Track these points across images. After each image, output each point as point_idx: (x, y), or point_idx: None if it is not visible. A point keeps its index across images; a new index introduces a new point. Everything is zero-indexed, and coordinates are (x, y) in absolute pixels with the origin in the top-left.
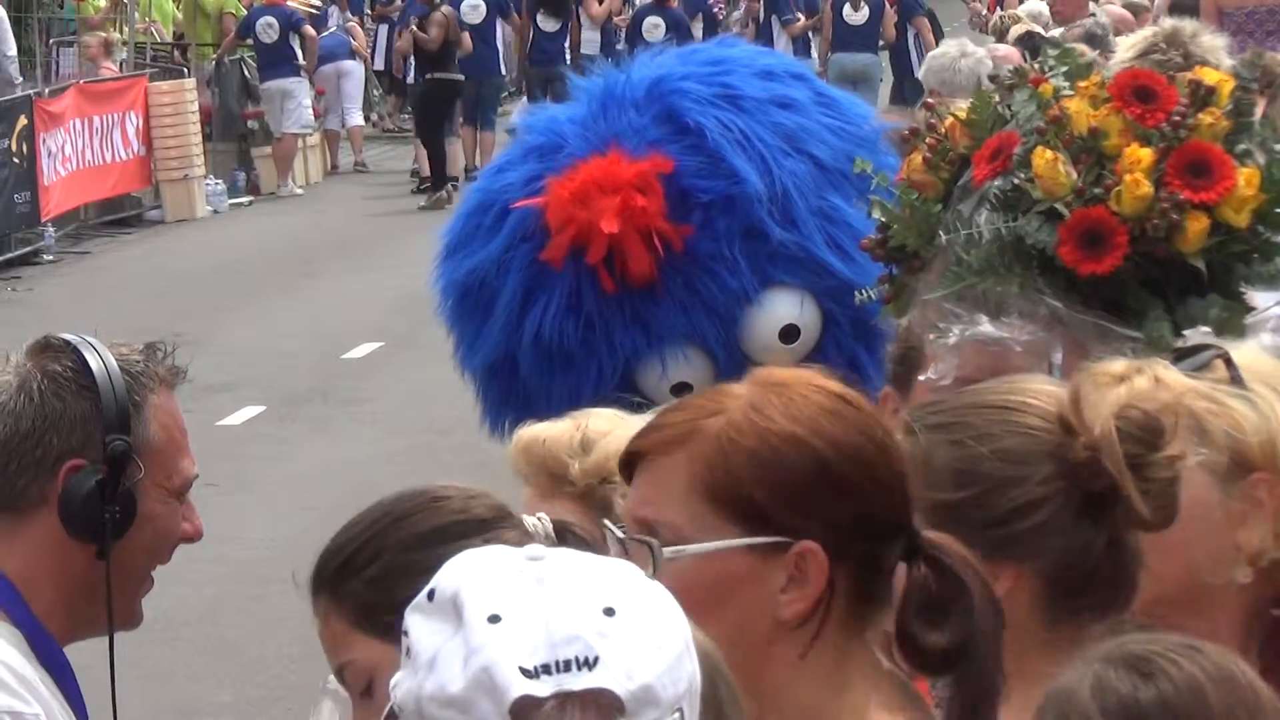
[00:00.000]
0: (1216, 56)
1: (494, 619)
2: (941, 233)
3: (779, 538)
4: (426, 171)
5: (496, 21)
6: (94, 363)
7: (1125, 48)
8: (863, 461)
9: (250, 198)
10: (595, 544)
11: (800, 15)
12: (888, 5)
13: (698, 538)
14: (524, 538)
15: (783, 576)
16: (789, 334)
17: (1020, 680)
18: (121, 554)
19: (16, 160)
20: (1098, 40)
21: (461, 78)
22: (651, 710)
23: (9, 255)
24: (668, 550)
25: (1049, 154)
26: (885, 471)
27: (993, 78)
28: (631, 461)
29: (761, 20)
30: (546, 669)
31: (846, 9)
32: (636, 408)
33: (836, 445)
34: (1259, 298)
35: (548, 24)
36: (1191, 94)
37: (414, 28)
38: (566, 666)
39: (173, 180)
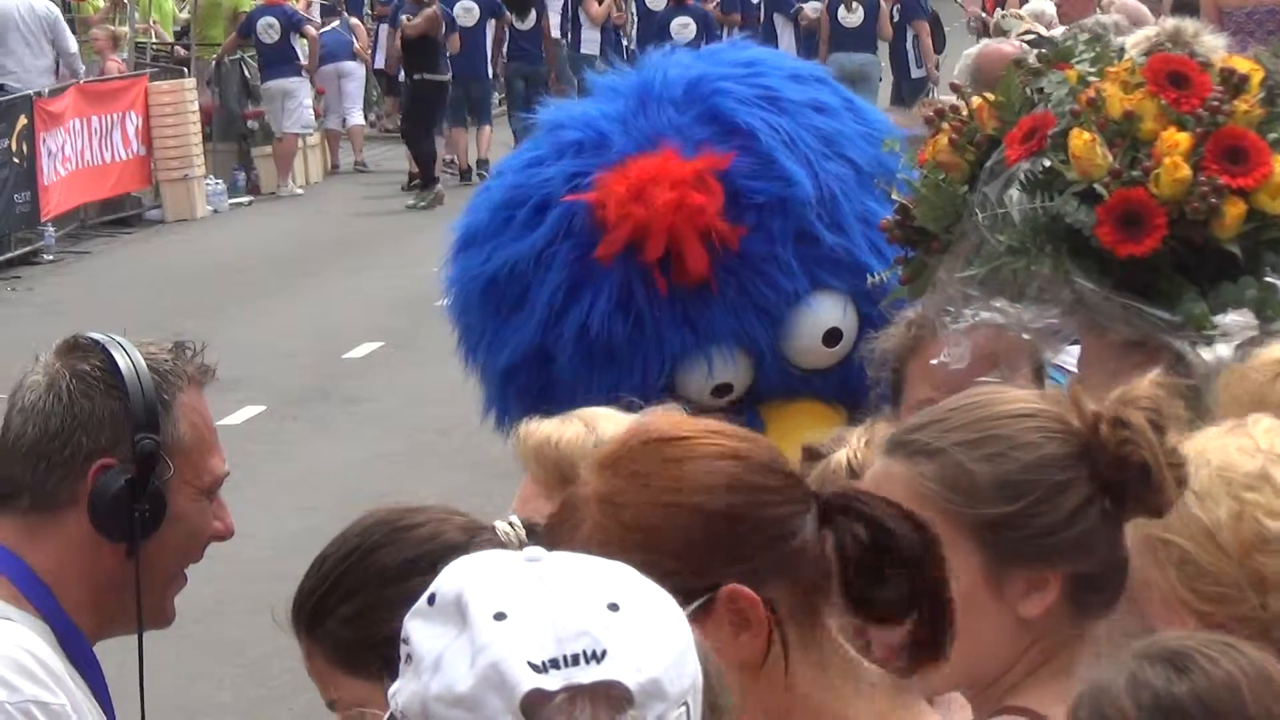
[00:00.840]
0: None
1: (500, 616)
2: (977, 211)
3: (702, 598)
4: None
5: (487, 24)
6: (122, 362)
7: (1129, 48)
8: (737, 484)
9: (250, 198)
10: None
11: (803, 5)
12: (883, 4)
13: None
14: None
15: (727, 626)
16: (832, 337)
17: (1050, 675)
18: (151, 552)
19: (16, 160)
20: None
21: (447, 78)
22: (659, 704)
23: (9, 255)
24: None
25: (1086, 135)
26: (761, 474)
27: (1019, 62)
28: None
29: (764, 19)
30: (555, 663)
31: (841, 10)
32: (634, 408)
33: (703, 488)
34: None
35: (520, 22)
36: (1224, 81)
37: (404, 18)
38: (575, 660)
39: (173, 180)
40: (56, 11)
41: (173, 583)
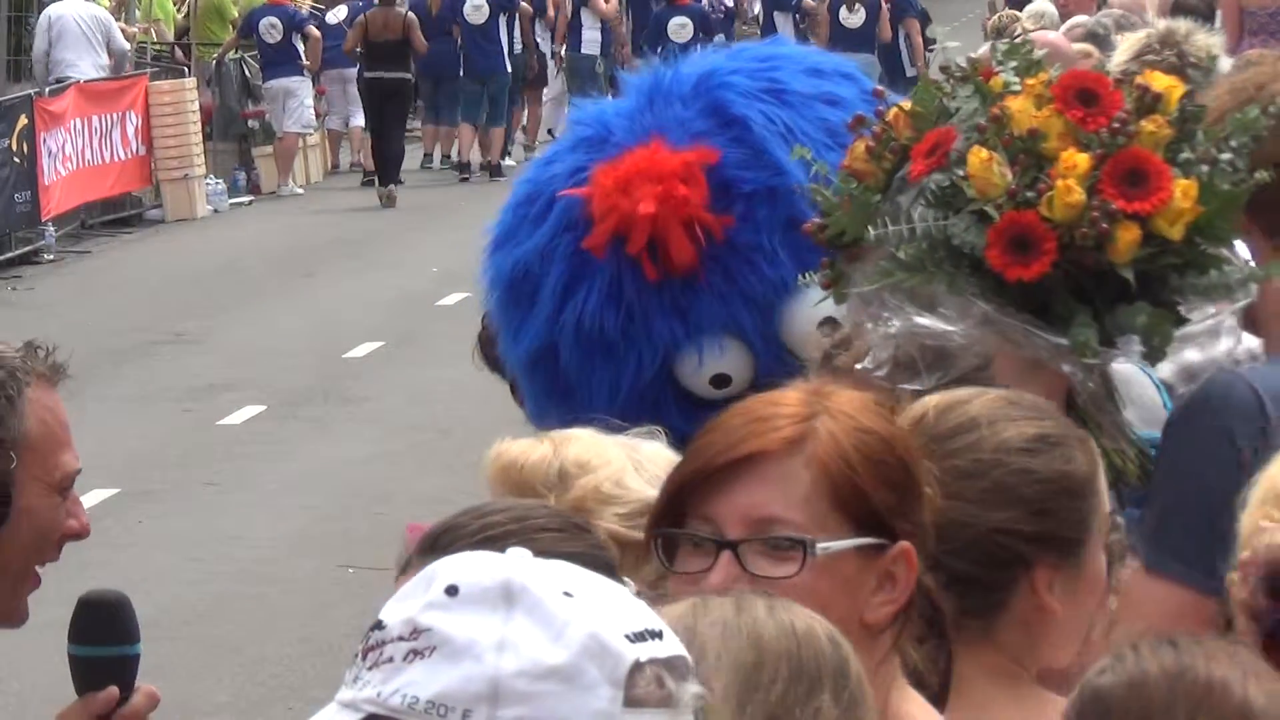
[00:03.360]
0: (1212, 54)
1: (568, 594)
2: (882, 223)
3: (882, 539)
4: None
5: (499, 20)
6: None
7: (1122, 50)
8: (916, 460)
9: (251, 197)
10: None
11: None
12: (883, 6)
13: (822, 538)
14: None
15: (873, 580)
16: (831, 325)
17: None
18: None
19: (17, 160)
20: (1099, 39)
21: (396, 76)
22: (695, 682)
23: (9, 255)
24: (818, 546)
25: (984, 153)
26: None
27: (944, 68)
28: (707, 471)
29: (764, 18)
30: (641, 636)
31: (842, 11)
32: (616, 428)
33: (907, 444)
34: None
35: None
36: (1138, 100)
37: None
38: (647, 635)
39: (173, 180)
40: (108, 15)
41: (23, 581)
